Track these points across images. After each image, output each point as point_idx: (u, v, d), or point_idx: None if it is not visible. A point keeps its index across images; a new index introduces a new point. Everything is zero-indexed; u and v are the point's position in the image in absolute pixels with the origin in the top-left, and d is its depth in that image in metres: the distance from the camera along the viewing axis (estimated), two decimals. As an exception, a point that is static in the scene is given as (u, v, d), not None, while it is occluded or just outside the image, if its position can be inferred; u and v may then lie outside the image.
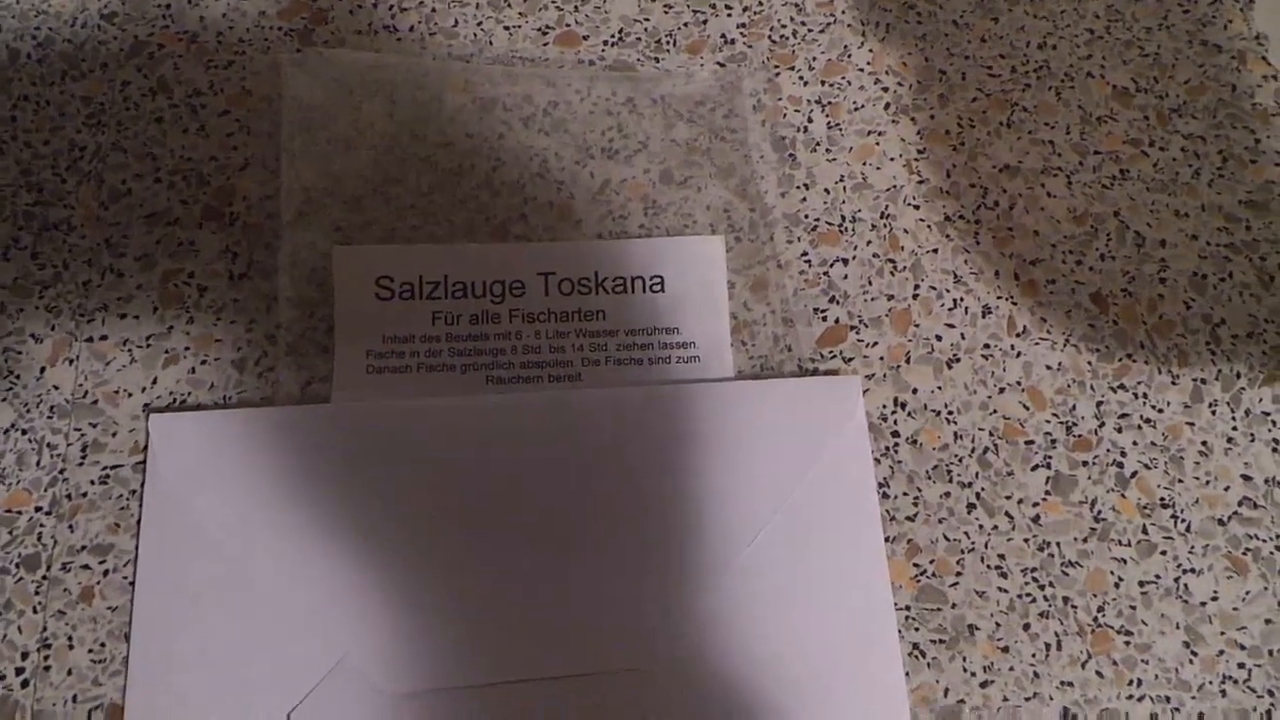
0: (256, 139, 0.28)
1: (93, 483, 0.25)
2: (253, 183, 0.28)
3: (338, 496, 0.24)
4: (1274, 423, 0.27)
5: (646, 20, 0.31)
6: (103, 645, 0.23)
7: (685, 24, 0.31)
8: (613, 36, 0.30)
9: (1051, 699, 0.24)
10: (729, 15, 0.31)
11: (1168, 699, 0.24)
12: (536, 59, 0.30)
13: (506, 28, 0.30)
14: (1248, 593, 0.25)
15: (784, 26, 0.31)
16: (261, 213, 0.27)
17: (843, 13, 0.31)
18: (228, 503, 0.24)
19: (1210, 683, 0.24)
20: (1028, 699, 0.24)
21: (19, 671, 0.23)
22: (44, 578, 0.24)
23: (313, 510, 0.24)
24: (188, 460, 0.24)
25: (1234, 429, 0.26)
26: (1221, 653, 0.24)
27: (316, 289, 0.26)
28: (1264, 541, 0.25)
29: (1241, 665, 0.24)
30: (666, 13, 0.31)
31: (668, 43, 0.30)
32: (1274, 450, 0.26)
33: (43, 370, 0.26)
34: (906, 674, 0.24)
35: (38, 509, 0.25)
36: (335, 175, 0.28)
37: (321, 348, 0.26)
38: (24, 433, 0.25)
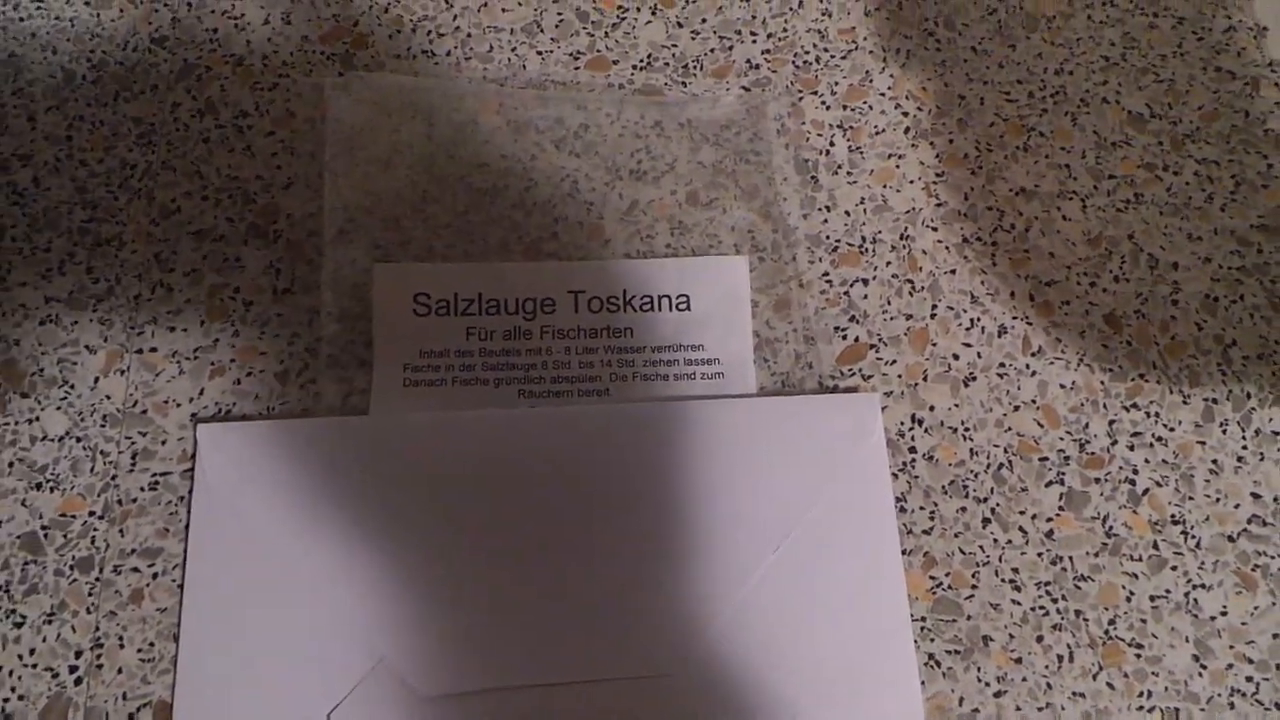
0: (300, 159, 0.30)
1: (143, 489, 0.26)
2: (296, 201, 0.29)
3: (375, 504, 0.25)
4: (1284, 443, 0.27)
5: (674, 46, 0.32)
6: (152, 645, 0.25)
7: (712, 49, 0.32)
8: (642, 61, 0.31)
9: (1064, 709, 0.24)
10: (754, 41, 0.32)
11: (1177, 711, 0.24)
12: (568, 83, 0.31)
13: (539, 53, 0.32)
14: (1256, 608, 0.26)
15: (807, 52, 0.32)
16: (304, 230, 0.29)
17: (864, 39, 0.32)
18: (272, 509, 0.25)
19: (1219, 695, 0.25)
20: (1040, 709, 0.24)
21: (72, 669, 0.24)
22: (97, 579, 0.25)
23: (352, 517, 0.25)
24: (234, 468, 0.26)
25: (1244, 448, 0.27)
26: (1230, 666, 0.25)
27: (356, 304, 0.28)
28: (1273, 558, 0.26)
29: (1250, 679, 0.25)
30: (694, 39, 0.32)
31: (695, 68, 0.31)
32: (1283, 469, 0.27)
33: (96, 380, 0.27)
34: (922, 683, 0.24)
35: (91, 514, 0.26)
36: (375, 194, 0.29)
37: (360, 361, 0.27)
38: (78, 440, 0.26)
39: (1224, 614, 0.25)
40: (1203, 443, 0.27)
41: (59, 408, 0.27)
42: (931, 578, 0.25)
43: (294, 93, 0.30)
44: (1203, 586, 0.26)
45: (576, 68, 0.31)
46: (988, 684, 0.25)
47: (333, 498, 0.25)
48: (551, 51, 0.32)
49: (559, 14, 0.32)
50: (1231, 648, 0.25)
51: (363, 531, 0.25)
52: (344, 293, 0.28)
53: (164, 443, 0.26)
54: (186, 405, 0.27)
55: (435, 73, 0.31)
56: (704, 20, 0.32)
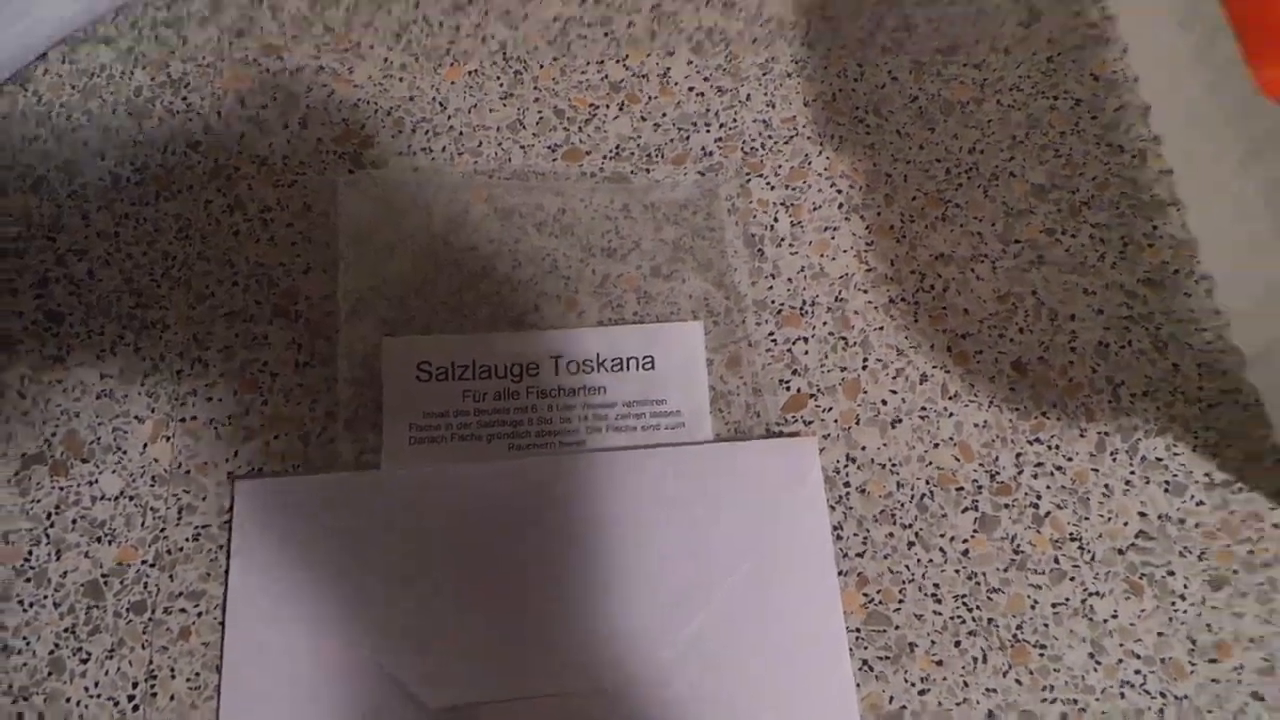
0: (316, 247, 0.34)
1: (188, 539, 0.30)
2: (314, 285, 0.34)
3: (389, 547, 0.30)
4: (1165, 467, 0.32)
5: (639, 137, 0.37)
6: (198, 675, 0.29)
7: (671, 140, 0.37)
8: (611, 152, 0.36)
9: (978, 703, 0.29)
10: (708, 131, 0.37)
11: (1075, 700, 0.29)
12: (547, 173, 0.36)
13: (522, 147, 0.37)
14: (1143, 610, 0.30)
15: (754, 140, 0.37)
16: (321, 310, 0.33)
17: (804, 126, 0.37)
18: (300, 553, 0.29)
19: (1111, 687, 0.29)
20: (958, 704, 0.29)
21: (130, 699, 0.29)
22: (149, 620, 0.29)
23: (368, 557, 0.29)
24: (266, 519, 0.30)
25: (1132, 473, 0.32)
26: (1120, 661, 0.29)
27: (367, 374, 0.32)
28: (1157, 568, 0.30)
29: (1138, 671, 0.29)
30: (655, 130, 0.37)
31: (656, 156, 0.36)
32: (1165, 490, 0.31)
33: (145, 446, 0.32)
34: (857, 685, 0.29)
35: (143, 562, 0.30)
36: (382, 277, 0.34)
37: (372, 423, 0.32)
38: (131, 499, 0.31)
39: (1115, 617, 0.30)
40: (1096, 470, 0.32)
41: (114, 471, 0.31)
42: (864, 594, 0.30)
43: (310, 189, 0.35)
44: (1097, 594, 0.30)
45: (554, 159, 0.36)
46: (913, 684, 0.29)
47: (351, 541, 0.30)
48: (533, 145, 0.36)
49: (539, 113, 0.37)
50: (1122, 645, 0.29)
51: (378, 570, 0.29)
52: (357, 364, 0.32)
53: (204, 499, 0.31)
54: (223, 465, 0.31)
55: (433, 167, 0.36)
56: (664, 114, 0.37)
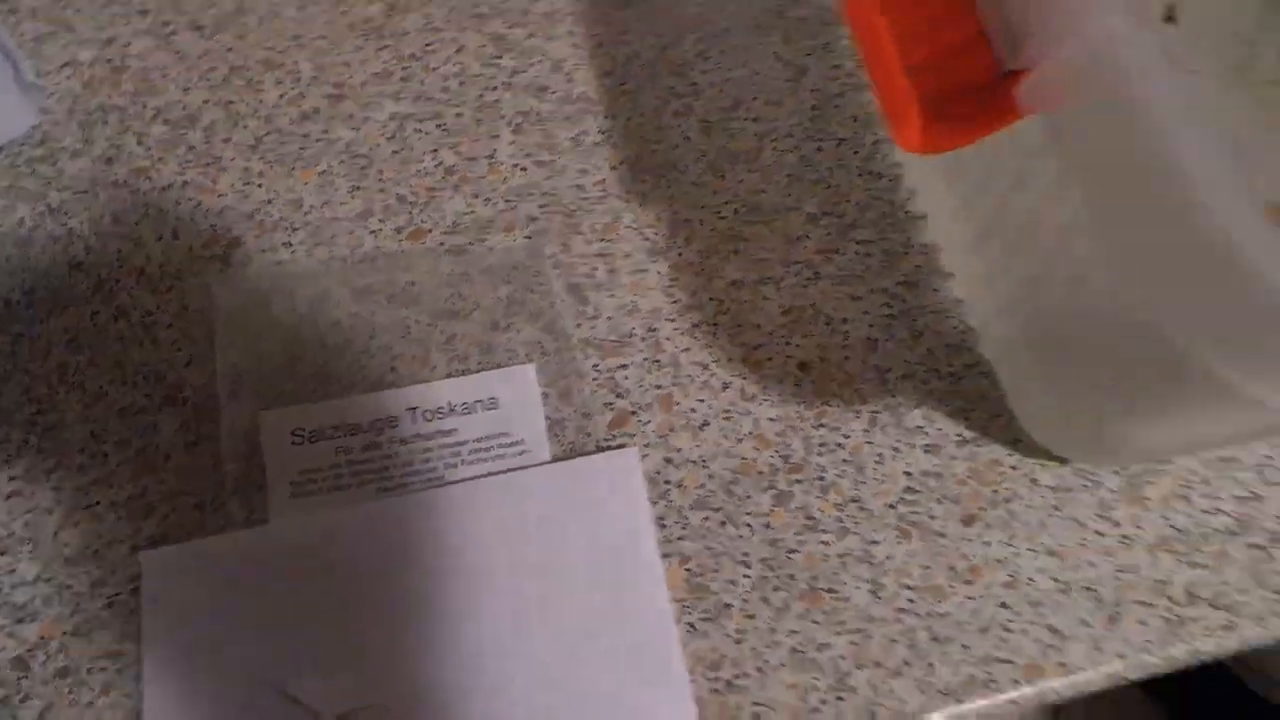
0: (195, 341, 0.39)
1: (102, 609, 0.35)
2: (195, 374, 0.39)
3: (280, 588, 0.35)
4: (925, 432, 0.39)
5: (473, 212, 0.43)
6: (124, 722, 0.33)
7: (501, 211, 0.43)
8: (449, 227, 0.42)
9: (783, 643, 0.35)
10: (532, 200, 0.43)
11: (861, 629, 0.35)
12: (395, 252, 0.42)
13: (371, 232, 0.42)
14: (912, 551, 0.36)
15: (572, 203, 0.43)
16: (204, 395, 0.38)
17: (613, 187, 0.44)
18: (203, 605, 0.34)
19: (890, 615, 0.35)
20: (768, 646, 0.35)
21: (64, 751, 0.33)
22: (75, 681, 0.34)
23: (264, 601, 0.34)
24: (170, 580, 0.35)
25: (898, 441, 0.38)
26: (896, 593, 0.36)
27: (249, 445, 0.37)
28: (921, 514, 0.37)
29: (910, 600, 0.36)
30: (486, 204, 0.43)
31: (489, 227, 0.43)
32: (925, 451, 0.38)
33: (56, 533, 0.36)
34: (684, 644, 0.34)
35: (64, 633, 0.35)
36: (257, 359, 0.39)
37: (258, 486, 0.37)
38: (47, 580, 0.35)
39: (890, 559, 0.36)
40: (870, 443, 0.38)
41: (30, 558, 0.36)
42: (687, 570, 0.36)
43: (186, 291, 0.40)
44: (875, 542, 0.36)
45: (400, 240, 0.42)
46: (730, 636, 0.35)
47: (249, 589, 0.34)
48: (380, 230, 0.42)
49: (384, 201, 0.43)
50: (896, 580, 0.36)
51: (272, 609, 0.34)
52: (239, 438, 0.37)
53: (114, 572, 0.35)
54: (128, 540, 0.36)
55: (294, 260, 0.41)
56: (494, 190, 0.43)
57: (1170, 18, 0.41)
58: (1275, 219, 0.34)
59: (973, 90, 0.27)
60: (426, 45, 0.47)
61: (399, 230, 0.42)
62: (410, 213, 0.42)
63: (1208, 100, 0.22)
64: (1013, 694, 0.35)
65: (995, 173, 0.35)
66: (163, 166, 0.43)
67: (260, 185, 0.43)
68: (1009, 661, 0.35)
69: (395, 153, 0.44)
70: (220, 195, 0.43)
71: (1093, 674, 0.35)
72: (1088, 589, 0.36)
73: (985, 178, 0.36)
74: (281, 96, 0.45)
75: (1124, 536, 0.37)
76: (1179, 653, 0.36)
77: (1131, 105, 0.22)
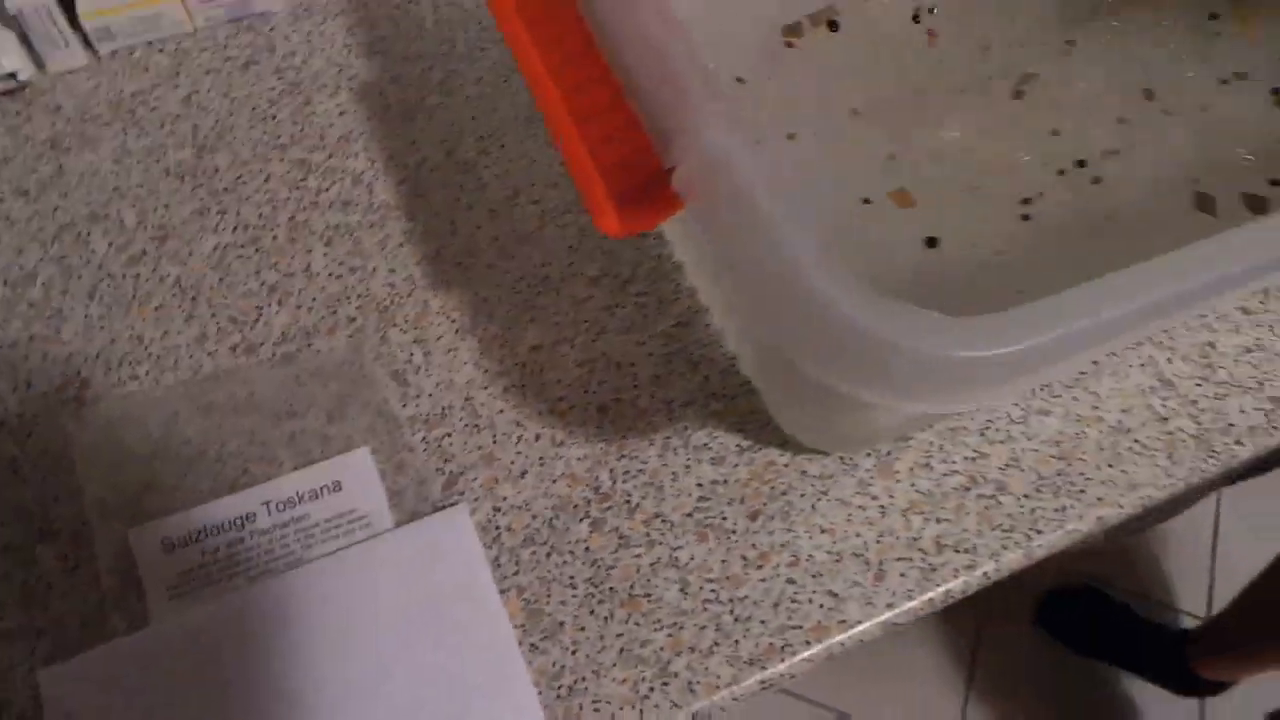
0: (61, 478, 0.44)
1: (8, 731, 0.39)
2: (65, 508, 0.43)
3: (168, 680, 0.40)
4: (710, 448, 0.46)
5: (298, 323, 0.49)
6: (42, 828, 0.38)
7: (323, 317, 0.49)
8: (278, 339, 0.48)
9: (612, 645, 0.41)
10: (349, 303, 0.49)
11: (676, 623, 0.42)
12: (233, 368, 0.47)
13: (209, 354, 0.48)
14: (710, 549, 0.44)
15: (385, 300, 0.49)
16: (77, 523, 0.43)
17: (420, 280, 0.50)
18: (101, 706, 0.39)
19: (699, 607, 0.43)
20: (599, 651, 0.41)
21: None
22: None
23: (155, 697, 0.39)
24: (68, 691, 0.39)
25: (688, 459, 0.46)
26: (700, 588, 0.43)
27: (125, 560, 0.42)
28: (714, 517, 0.45)
29: (714, 591, 0.43)
30: (309, 313, 0.49)
31: (314, 332, 0.48)
32: (712, 464, 0.46)
33: (-46, 673, 0.40)
34: (529, 662, 0.41)
35: (-25, 761, 0.39)
36: (120, 486, 0.44)
37: (137, 596, 0.42)
38: (-48, 717, 0.39)
39: (693, 559, 0.43)
40: (665, 465, 0.46)
41: (-68, 700, 0.39)
42: (523, 599, 0.42)
43: (46, 436, 0.45)
44: (678, 548, 0.44)
45: (236, 356, 0.48)
46: (567, 649, 0.41)
47: (140, 683, 0.39)
48: (216, 350, 0.48)
49: (217, 325, 0.48)
50: (700, 576, 0.43)
51: (161, 698, 0.39)
52: (115, 555, 0.42)
53: (18, 692, 0.40)
54: (25, 663, 0.40)
55: (141, 390, 0.46)
56: (314, 299, 0.49)
57: (833, 25, 0.51)
58: (897, 201, 0.43)
59: (653, 182, 0.34)
60: (237, 178, 0.52)
61: (234, 349, 0.47)
62: (242, 331, 0.48)
63: (792, 184, 0.30)
64: (806, 654, 0.42)
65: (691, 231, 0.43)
66: (8, 325, 0.48)
67: (102, 328, 0.48)
68: (799, 627, 0.43)
69: (222, 279, 0.50)
70: (65, 343, 0.47)
71: (868, 625, 0.43)
72: (856, 555, 0.44)
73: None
74: (110, 245, 0.50)
75: (881, 506, 0.46)
76: (935, 594, 0.44)
77: (737, 200, 0.30)
